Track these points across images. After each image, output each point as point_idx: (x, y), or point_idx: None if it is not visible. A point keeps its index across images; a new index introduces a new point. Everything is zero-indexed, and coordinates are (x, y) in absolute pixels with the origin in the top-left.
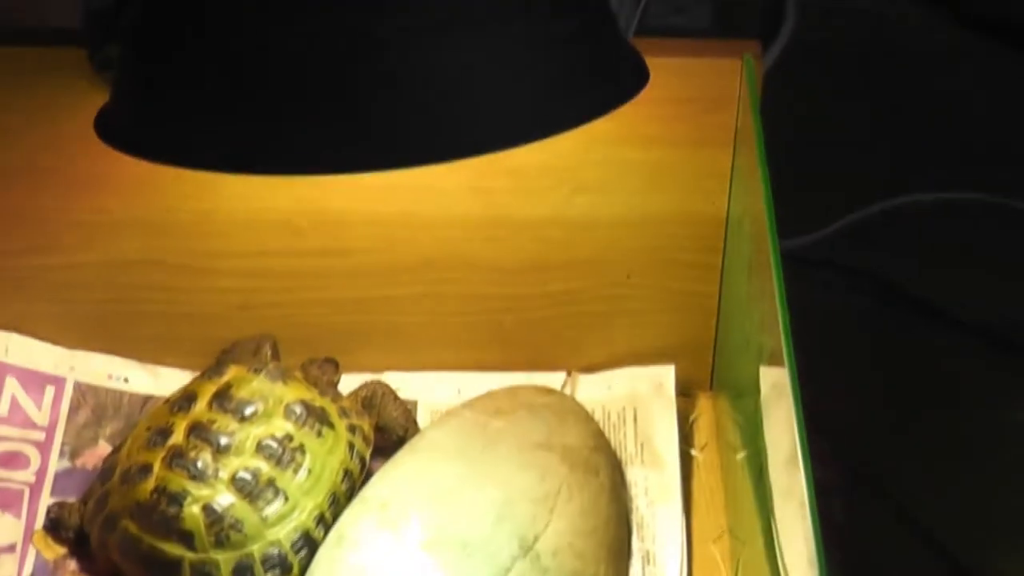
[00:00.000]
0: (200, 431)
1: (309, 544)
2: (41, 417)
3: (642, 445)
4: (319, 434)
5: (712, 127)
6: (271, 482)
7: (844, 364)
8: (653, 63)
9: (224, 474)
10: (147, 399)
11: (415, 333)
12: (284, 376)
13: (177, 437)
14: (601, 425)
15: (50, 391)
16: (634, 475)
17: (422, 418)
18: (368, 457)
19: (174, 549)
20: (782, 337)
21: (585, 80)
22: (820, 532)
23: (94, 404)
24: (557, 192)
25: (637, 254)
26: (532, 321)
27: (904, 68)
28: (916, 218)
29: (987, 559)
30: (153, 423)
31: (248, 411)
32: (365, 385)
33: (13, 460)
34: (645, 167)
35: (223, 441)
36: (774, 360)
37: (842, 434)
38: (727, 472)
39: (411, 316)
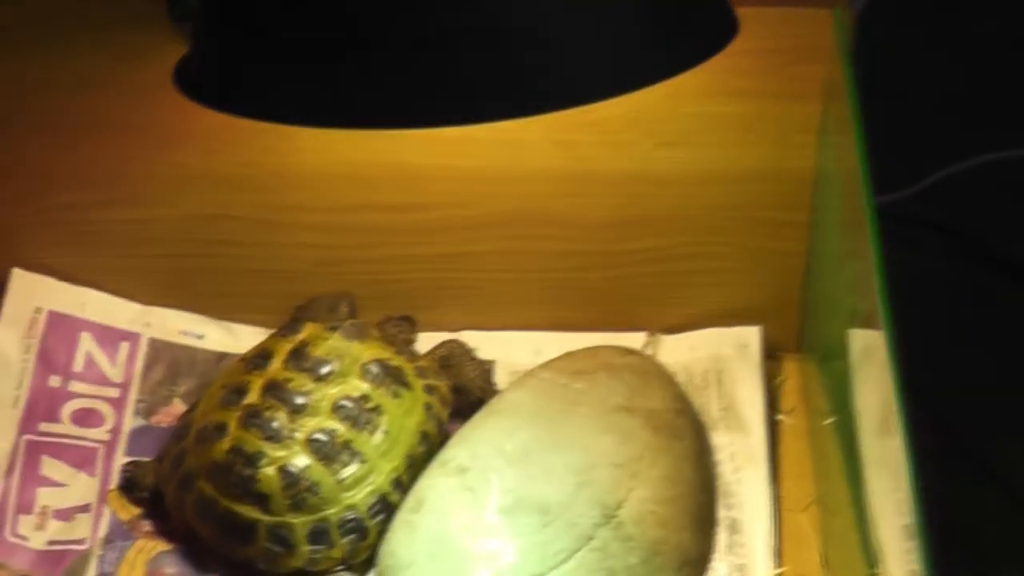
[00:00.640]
0: (275, 390)
1: (386, 508)
2: (116, 374)
3: (726, 409)
4: (396, 395)
5: (801, 80)
6: (347, 444)
7: (937, 326)
8: (742, 13)
9: (300, 435)
10: (222, 356)
11: (493, 291)
12: (361, 334)
13: (252, 396)
14: (684, 388)
15: (125, 347)
16: (719, 440)
17: (500, 379)
18: (445, 419)
19: (250, 512)
20: (878, 299)
21: (672, 31)
22: (920, 503)
23: (168, 361)
24: (641, 146)
25: (722, 211)
26: (613, 279)
27: (1001, 19)
28: (1013, 174)
29: None
30: (228, 381)
31: (324, 370)
32: (442, 344)
33: (88, 417)
34: (732, 121)
35: (298, 401)
36: (866, 322)
37: (935, 399)
38: (815, 438)
39: (489, 273)
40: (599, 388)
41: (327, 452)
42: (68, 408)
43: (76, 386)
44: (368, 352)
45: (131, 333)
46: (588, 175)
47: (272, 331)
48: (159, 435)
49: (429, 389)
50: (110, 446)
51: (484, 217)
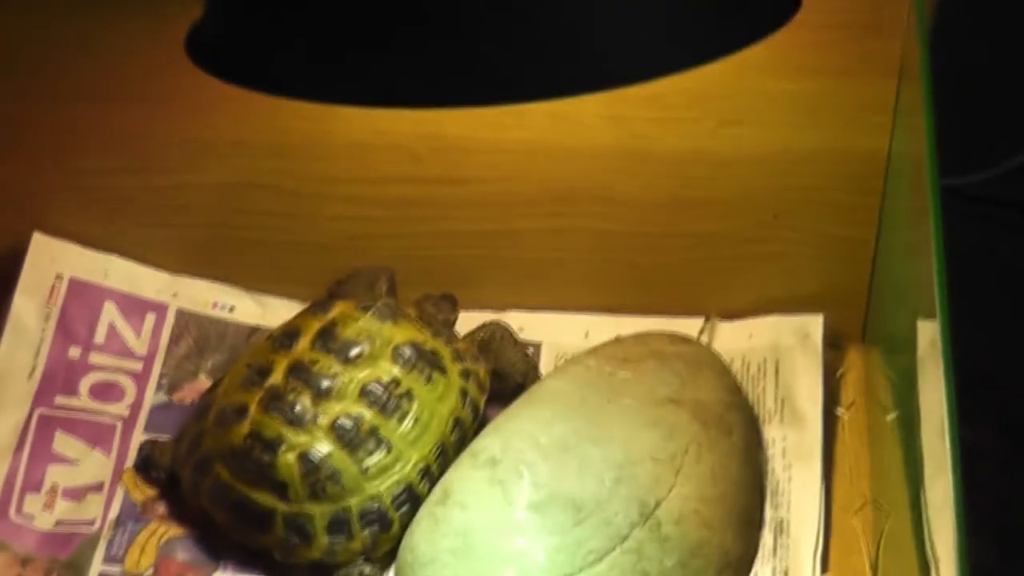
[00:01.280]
0: (300, 372)
1: (412, 499)
2: (140, 346)
3: (782, 401)
4: (429, 379)
5: (874, 56)
6: (373, 431)
7: (1016, 313)
8: None
9: (323, 420)
10: (253, 330)
11: (541, 270)
12: (394, 315)
13: (276, 377)
14: (739, 377)
15: (151, 318)
16: (771, 434)
17: (545, 362)
18: (482, 405)
19: (266, 499)
20: (936, 292)
21: (734, 4)
22: (963, 505)
23: (196, 334)
24: (701, 124)
25: (786, 193)
26: (669, 262)
27: None
28: None
29: None
30: (253, 360)
31: (353, 352)
32: (483, 327)
33: (108, 391)
34: (798, 98)
35: (324, 384)
36: (933, 314)
37: (1004, 395)
38: (875, 435)
39: (537, 252)
40: (646, 378)
41: (351, 439)
42: (87, 381)
43: (97, 358)
44: (401, 334)
45: (158, 303)
46: (644, 153)
47: (306, 305)
48: (181, 413)
49: (465, 374)
50: (129, 423)
51: (532, 193)
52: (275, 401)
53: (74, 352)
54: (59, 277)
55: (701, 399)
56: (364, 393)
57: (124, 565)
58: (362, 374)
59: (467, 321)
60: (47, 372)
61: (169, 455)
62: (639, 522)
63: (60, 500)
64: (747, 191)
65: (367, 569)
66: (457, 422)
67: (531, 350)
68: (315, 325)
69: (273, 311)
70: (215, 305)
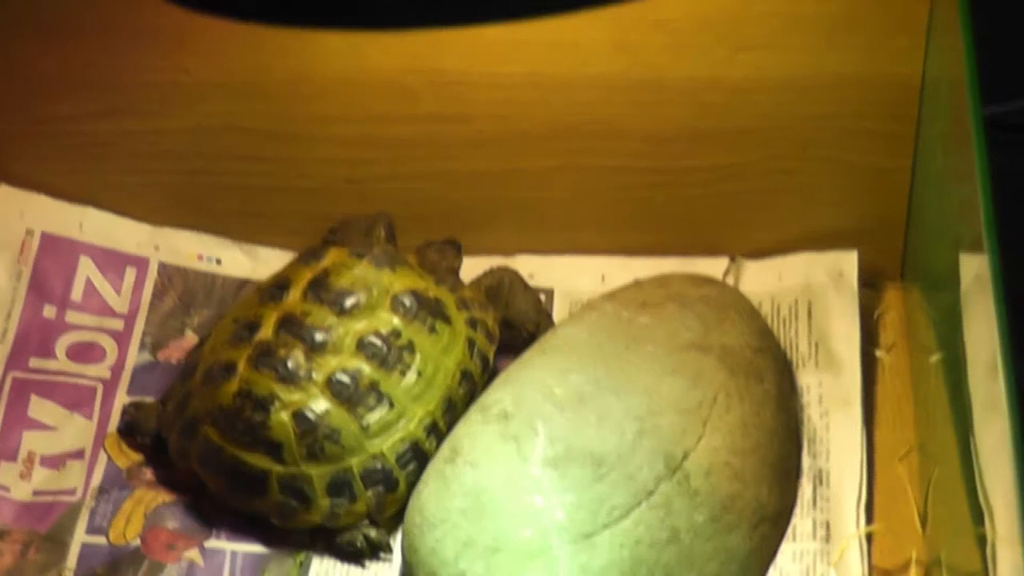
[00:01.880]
0: (291, 325)
1: (418, 457)
2: (120, 303)
3: (816, 344)
4: (432, 329)
5: None
6: (373, 385)
7: None
8: None
9: (318, 376)
10: (243, 283)
11: (551, 211)
12: (392, 261)
13: (265, 332)
14: (769, 320)
15: (131, 273)
16: (806, 380)
17: (559, 310)
18: (492, 356)
19: (260, 461)
20: (983, 221)
21: None
22: (1021, 448)
23: (181, 289)
24: (717, 49)
25: (813, 122)
26: (689, 199)
27: None
28: None
29: None
30: (240, 314)
31: (348, 303)
32: (490, 272)
33: (87, 352)
34: (823, 20)
35: (318, 337)
36: (977, 247)
37: None
38: (918, 377)
39: (546, 192)
40: (668, 323)
41: (349, 395)
42: (64, 342)
43: (74, 317)
44: (400, 282)
45: (138, 257)
46: (656, 82)
47: (297, 255)
48: (167, 372)
49: (472, 323)
50: (110, 385)
51: (537, 130)
52: (265, 357)
53: (49, 311)
54: (30, 232)
55: (728, 344)
56: (362, 346)
57: (109, 536)
58: (359, 326)
59: (472, 269)
60: (20, 333)
61: (155, 418)
62: (666, 475)
63: (37, 469)
64: (770, 120)
65: (372, 532)
66: (465, 374)
67: (543, 297)
68: (306, 275)
69: (263, 262)
70: (200, 257)
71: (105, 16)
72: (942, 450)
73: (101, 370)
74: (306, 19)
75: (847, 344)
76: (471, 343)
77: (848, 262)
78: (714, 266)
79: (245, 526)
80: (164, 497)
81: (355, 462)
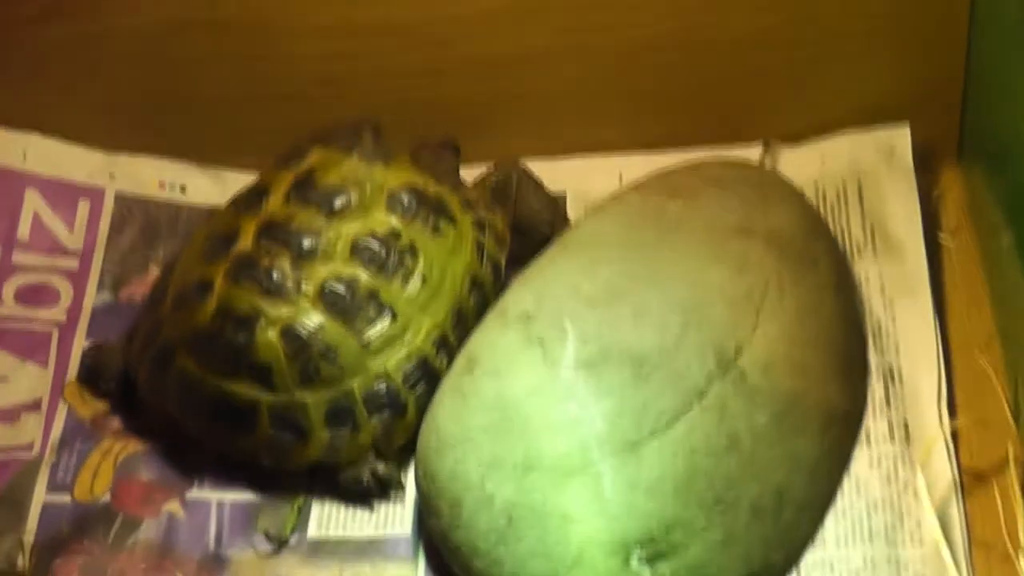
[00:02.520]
0: (274, 232)
1: (428, 376)
2: (74, 240)
3: (872, 229)
4: (435, 230)
5: None
6: (372, 295)
7: None
8: None
9: (308, 287)
10: (212, 212)
11: (556, 103)
12: (385, 155)
13: (244, 242)
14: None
15: (84, 206)
16: (863, 269)
17: (574, 215)
18: (503, 263)
19: (246, 390)
20: None
21: None
22: None
23: (143, 221)
24: None
25: None
26: (713, 77)
27: None
28: None
29: None
30: (214, 229)
31: (338, 202)
32: (496, 169)
33: (38, 295)
34: None
35: (306, 243)
36: None
37: None
38: (990, 261)
39: (551, 81)
40: (706, 207)
41: (345, 306)
42: (11, 285)
43: (21, 257)
44: (396, 178)
45: (92, 188)
46: None
47: None
48: (131, 312)
49: (480, 225)
50: (67, 328)
51: (538, 6)
52: (246, 269)
53: None
54: None
55: (775, 227)
56: (356, 250)
57: (73, 493)
58: (352, 228)
59: (473, 175)
60: None
61: (120, 357)
62: (718, 373)
63: None
64: None
65: (380, 467)
66: (475, 282)
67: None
68: (288, 177)
69: (233, 188)
70: (162, 185)
71: None
72: None
73: (56, 313)
74: None
75: (907, 227)
76: (480, 247)
77: (900, 138)
78: (746, 155)
79: (232, 471)
80: (136, 446)
81: (356, 384)
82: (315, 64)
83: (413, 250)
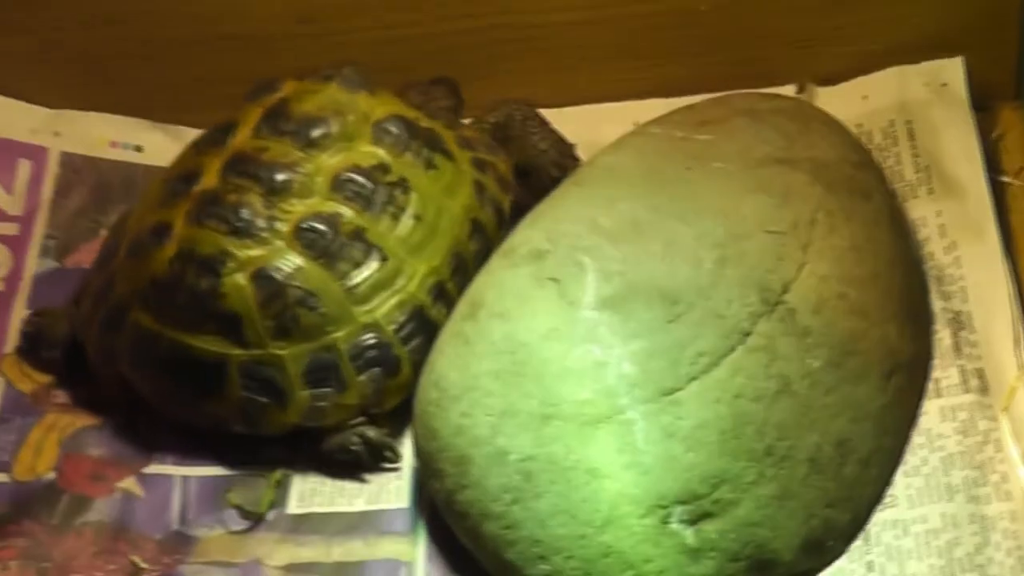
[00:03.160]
0: (243, 166)
1: (425, 329)
2: (13, 204)
3: (927, 170)
4: (429, 164)
5: None
6: (358, 234)
7: None
8: None
9: (283, 225)
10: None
11: (564, 44)
12: (369, 83)
13: (208, 179)
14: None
15: (25, 167)
16: (919, 211)
17: None
18: (507, 207)
19: (211, 345)
20: None
21: None
22: None
23: (93, 182)
24: None
25: None
26: (739, 12)
27: None
28: None
29: None
30: (172, 172)
31: (316, 133)
32: (496, 108)
33: None
34: None
35: (279, 177)
36: None
37: None
38: None
39: (555, 16)
40: (738, 137)
41: (326, 247)
42: None
43: None
44: (382, 106)
45: (34, 147)
46: None
47: None
48: (78, 279)
49: (480, 164)
50: (5, 297)
51: None
52: (211, 207)
53: None
54: None
55: (819, 157)
56: (338, 185)
57: (13, 471)
58: (333, 160)
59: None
60: None
61: (65, 323)
62: (764, 311)
63: None
64: None
65: (370, 432)
66: (476, 225)
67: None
68: (257, 111)
69: None
70: (115, 144)
71: None
72: None
73: None
74: None
75: (967, 164)
76: (480, 187)
77: (953, 71)
78: None
79: (197, 442)
80: (84, 420)
81: (341, 336)
82: (282, 3)
83: (404, 185)
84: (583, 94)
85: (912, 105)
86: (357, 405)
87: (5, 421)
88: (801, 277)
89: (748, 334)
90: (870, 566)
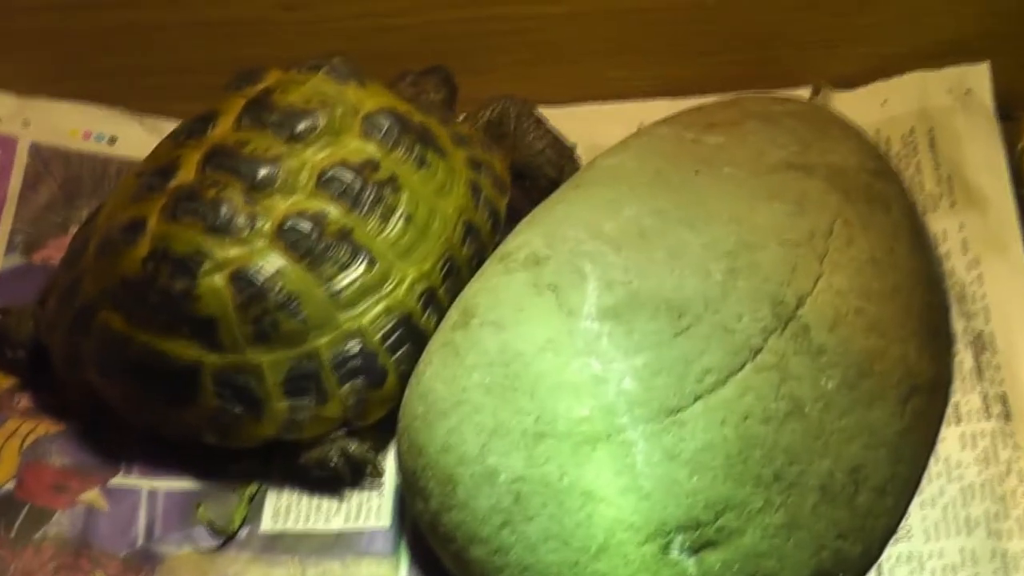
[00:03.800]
0: (222, 160)
1: (413, 337)
2: None
3: (949, 180)
4: (422, 162)
5: None
6: (344, 234)
7: None
8: None
9: (264, 224)
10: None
11: (565, 40)
12: (359, 74)
13: (185, 173)
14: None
15: None
16: (940, 224)
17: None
18: (503, 210)
19: (184, 350)
20: None
21: None
22: None
23: (63, 175)
24: None
25: None
26: (750, 9)
27: None
28: None
29: None
30: (147, 165)
31: (301, 126)
32: (491, 104)
33: None
34: None
35: (261, 172)
36: None
37: None
38: None
39: (555, 8)
40: (752, 140)
41: (310, 248)
42: None
43: None
44: (373, 99)
45: (1, 137)
46: None
47: None
48: (45, 276)
49: (475, 164)
50: None
51: None
52: (187, 203)
53: None
54: None
55: (836, 164)
56: (325, 182)
57: None
58: (319, 155)
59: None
60: None
61: (30, 323)
62: (776, 326)
63: None
64: None
65: (352, 446)
66: (469, 228)
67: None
68: (239, 102)
69: None
70: (87, 135)
71: None
72: None
73: None
74: None
75: (991, 175)
76: (475, 187)
77: (977, 76)
78: None
79: (166, 454)
80: (47, 426)
81: (323, 344)
82: None
83: (394, 184)
84: (584, 92)
85: (934, 112)
86: (338, 417)
87: None
88: (816, 291)
89: (759, 351)
90: None
